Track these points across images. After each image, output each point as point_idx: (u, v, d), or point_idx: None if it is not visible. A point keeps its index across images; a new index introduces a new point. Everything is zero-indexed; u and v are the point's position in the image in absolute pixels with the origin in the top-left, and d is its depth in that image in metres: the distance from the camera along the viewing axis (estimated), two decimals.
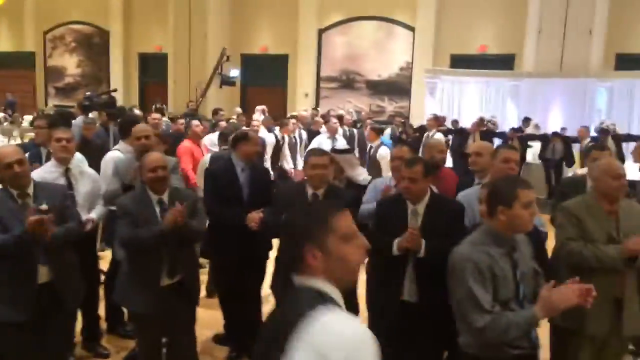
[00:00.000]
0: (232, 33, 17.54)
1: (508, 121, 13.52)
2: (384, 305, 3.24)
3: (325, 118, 9.31)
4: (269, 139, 7.59)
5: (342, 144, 7.34)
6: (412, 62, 16.13)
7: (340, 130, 8.21)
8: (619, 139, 10.15)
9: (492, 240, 2.40)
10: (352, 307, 4.20)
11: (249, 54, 17.85)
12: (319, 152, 3.78)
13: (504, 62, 15.09)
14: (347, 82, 17.11)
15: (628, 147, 9.63)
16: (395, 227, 3.09)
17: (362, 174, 5.01)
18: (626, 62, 13.92)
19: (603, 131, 10.25)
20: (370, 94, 16.93)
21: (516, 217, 2.36)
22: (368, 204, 3.82)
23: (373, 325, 3.43)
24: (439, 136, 8.65)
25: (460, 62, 15.40)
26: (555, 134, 11.00)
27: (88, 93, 8.76)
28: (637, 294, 3.10)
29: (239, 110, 10.37)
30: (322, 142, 7.46)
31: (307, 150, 6.17)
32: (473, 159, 4.06)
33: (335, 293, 1.47)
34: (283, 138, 7.87)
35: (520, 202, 2.36)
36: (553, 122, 13.30)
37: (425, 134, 9.24)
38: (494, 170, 3.64)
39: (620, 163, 3.21)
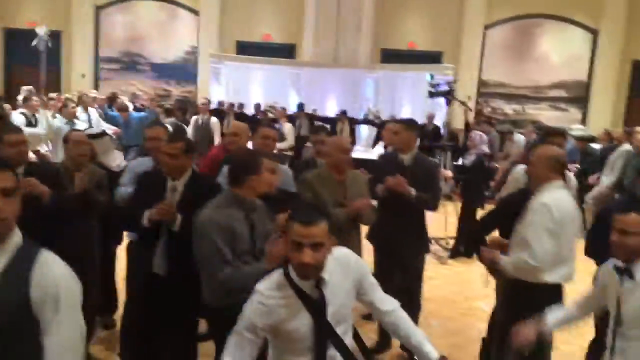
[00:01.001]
0: None
1: (291, 107, 14.31)
2: (136, 280, 3.28)
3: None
4: None
5: (82, 124, 7.10)
6: (197, 47, 16.03)
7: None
8: (354, 122, 12.34)
9: (234, 203, 2.68)
10: (107, 291, 4.19)
11: (13, 28, 15.93)
12: (11, 130, 3.53)
13: (286, 51, 15.87)
14: (130, 64, 16.33)
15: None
16: (153, 201, 3.11)
17: (116, 160, 4.83)
18: (389, 57, 15.70)
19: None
20: (156, 77, 16.42)
21: (262, 181, 2.71)
22: (126, 187, 3.65)
23: (128, 299, 3.47)
24: (214, 121, 8.84)
25: (246, 48, 15.77)
26: (300, 111, 12.40)
27: None
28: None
29: None
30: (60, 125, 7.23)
31: None
32: (231, 139, 4.29)
33: None
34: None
35: (265, 169, 2.71)
36: (330, 109, 14.48)
37: (196, 118, 9.24)
38: (254, 145, 3.92)
39: (347, 139, 3.71)
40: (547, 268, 2.85)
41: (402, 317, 2.20)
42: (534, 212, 2.90)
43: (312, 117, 12.43)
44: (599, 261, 3.11)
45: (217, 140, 8.62)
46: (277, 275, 2.05)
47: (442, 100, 9.63)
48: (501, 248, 3.06)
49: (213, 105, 12.31)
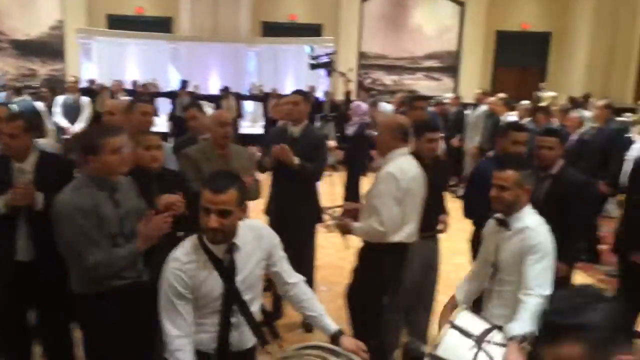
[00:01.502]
0: None
1: (171, 84, 13.82)
2: None
3: None
4: None
5: None
6: (63, 21, 14.87)
7: None
8: (241, 98, 12.48)
9: (93, 184, 2.51)
10: None
11: None
12: None
13: (162, 25, 15.21)
14: None
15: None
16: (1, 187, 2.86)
17: None
18: (270, 30, 15.60)
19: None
20: (18, 55, 15.06)
21: (105, 163, 2.49)
22: None
23: None
24: (85, 100, 8.28)
25: (118, 22, 14.92)
26: (183, 89, 12.16)
27: None
28: None
29: None
30: None
31: None
32: (107, 118, 4.07)
33: None
34: None
35: (108, 149, 2.49)
36: (213, 84, 14.14)
37: (64, 98, 8.58)
38: (132, 124, 3.74)
39: (227, 113, 3.68)
40: (393, 231, 3.05)
41: (305, 291, 2.33)
42: (381, 180, 3.07)
43: (194, 96, 12.00)
44: (476, 220, 3.35)
45: (85, 120, 8.00)
46: (191, 240, 2.14)
47: (323, 72, 9.74)
48: (354, 214, 3.24)
49: (84, 84, 11.58)
